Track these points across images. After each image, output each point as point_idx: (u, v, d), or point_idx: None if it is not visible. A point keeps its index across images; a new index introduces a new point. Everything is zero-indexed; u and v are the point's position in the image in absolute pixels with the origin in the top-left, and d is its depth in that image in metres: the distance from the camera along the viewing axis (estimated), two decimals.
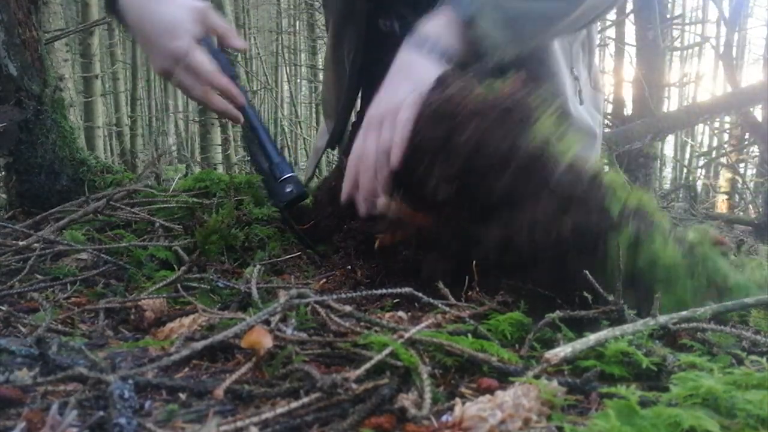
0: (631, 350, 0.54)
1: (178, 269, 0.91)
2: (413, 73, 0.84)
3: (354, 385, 0.49)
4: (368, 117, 0.85)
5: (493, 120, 0.73)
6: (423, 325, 0.62)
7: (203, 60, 0.94)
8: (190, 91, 0.96)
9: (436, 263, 0.84)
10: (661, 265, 0.70)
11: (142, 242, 1.02)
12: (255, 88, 10.59)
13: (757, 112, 4.85)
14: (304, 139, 14.04)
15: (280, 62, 16.66)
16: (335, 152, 1.49)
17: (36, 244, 0.97)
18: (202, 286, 0.85)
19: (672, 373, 0.51)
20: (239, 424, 0.45)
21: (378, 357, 0.53)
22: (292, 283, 0.90)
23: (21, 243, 0.98)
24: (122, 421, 0.44)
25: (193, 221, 1.05)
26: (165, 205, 1.19)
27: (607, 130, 4.36)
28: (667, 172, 12.53)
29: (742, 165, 7.64)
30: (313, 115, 17.27)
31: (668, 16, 6.29)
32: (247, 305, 0.78)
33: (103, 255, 0.95)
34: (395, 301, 0.83)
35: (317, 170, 1.50)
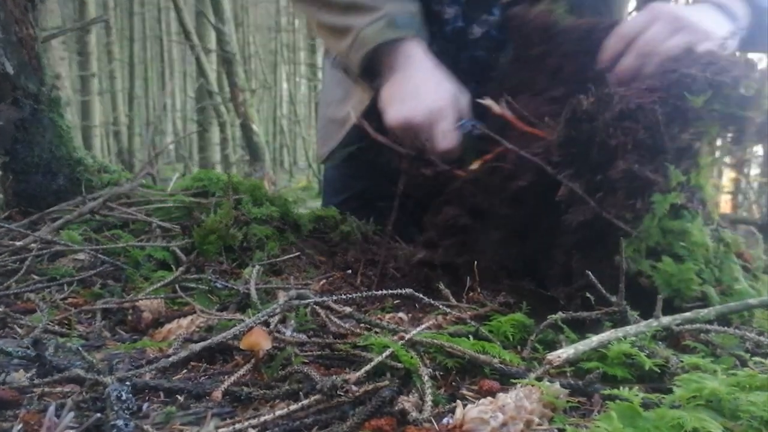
0: (634, 352, 0.54)
1: (176, 270, 0.90)
2: (713, 19, 0.93)
3: (354, 387, 0.49)
4: (671, 12, 0.89)
5: None
6: (424, 326, 0.62)
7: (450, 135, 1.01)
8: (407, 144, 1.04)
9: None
10: (689, 240, 0.71)
11: (139, 242, 1.02)
12: (254, 87, 10.58)
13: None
14: (303, 138, 14.05)
15: (278, 61, 16.66)
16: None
17: (33, 245, 0.96)
18: (201, 286, 0.85)
19: (675, 375, 0.51)
20: (238, 426, 0.45)
21: (378, 359, 0.52)
22: (292, 284, 0.90)
23: (18, 243, 0.97)
24: (119, 423, 0.44)
25: (191, 221, 1.04)
26: (162, 205, 1.19)
27: None
28: None
29: (745, 164, 7.66)
30: (312, 113, 17.27)
31: None
32: (245, 306, 0.77)
33: (100, 255, 0.95)
34: (395, 302, 0.83)
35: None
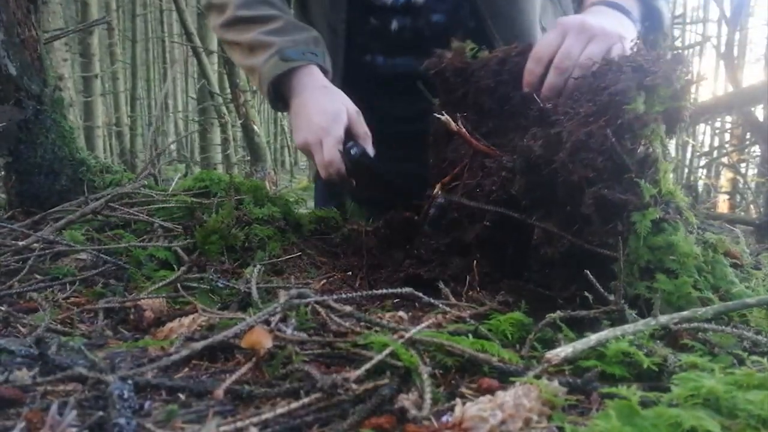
0: (632, 350, 0.54)
1: (178, 269, 0.91)
2: (616, 19, 0.98)
3: (354, 386, 0.49)
4: (580, 24, 0.91)
5: None
6: (423, 325, 0.62)
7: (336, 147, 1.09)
8: (317, 162, 1.12)
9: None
10: (678, 252, 0.71)
11: (141, 242, 1.02)
12: (254, 88, 10.59)
13: (759, 112, 4.85)
14: None
15: None
16: None
17: (35, 244, 0.97)
18: (202, 286, 0.85)
19: (673, 374, 0.51)
20: (239, 424, 0.45)
21: (378, 357, 0.53)
22: (293, 284, 0.90)
23: (20, 243, 0.97)
24: (122, 421, 0.44)
25: (192, 221, 1.05)
26: (164, 205, 1.19)
27: None
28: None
29: (743, 165, 7.65)
30: None
31: None
32: (247, 305, 0.77)
33: (102, 255, 0.95)
34: (395, 301, 0.83)
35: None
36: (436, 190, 0.96)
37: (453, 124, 0.93)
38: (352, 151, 1.06)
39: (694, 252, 0.72)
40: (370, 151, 1.10)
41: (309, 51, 1.18)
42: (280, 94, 1.19)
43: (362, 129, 1.12)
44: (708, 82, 12.91)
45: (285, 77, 1.16)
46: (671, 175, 0.76)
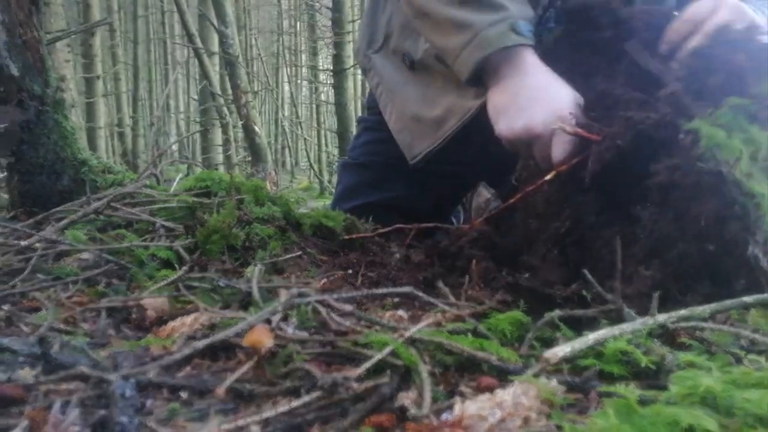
0: (630, 349, 0.54)
1: (180, 269, 0.91)
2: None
3: (354, 384, 0.49)
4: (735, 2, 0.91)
5: None
6: (423, 324, 0.62)
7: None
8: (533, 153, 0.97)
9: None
10: None
11: (143, 242, 1.03)
12: (256, 89, 10.59)
13: None
14: (305, 139, 14.05)
15: (280, 63, 16.68)
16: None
17: (38, 244, 0.97)
18: (204, 285, 0.85)
19: (671, 372, 0.51)
20: (240, 422, 0.45)
21: (378, 356, 0.53)
22: (293, 283, 0.90)
23: (23, 243, 0.98)
24: (124, 419, 0.44)
25: (194, 221, 1.05)
26: (166, 205, 1.20)
27: None
28: None
29: None
30: (314, 115, 17.28)
31: None
32: (248, 304, 0.78)
33: (104, 255, 0.95)
34: (395, 300, 0.83)
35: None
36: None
37: (569, 128, 0.88)
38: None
39: None
40: None
41: (514, 31, 1.01)
42: (484, 67, 1.01)
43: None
44: None
45: (507, 52, 0.99)
46: None
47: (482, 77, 1.03)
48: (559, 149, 0.89)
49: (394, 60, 1.34)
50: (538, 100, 0.96)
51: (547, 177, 0.88)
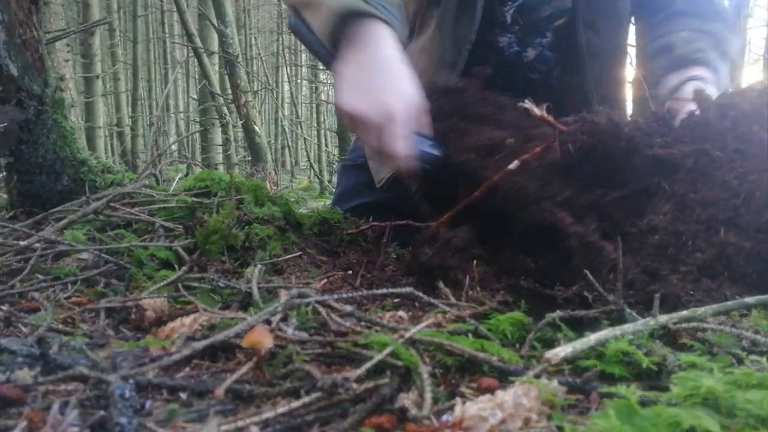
0: (632, 350, 0.54)
1: (179, 269, 0.91)
2: None
3: (354, 385, 0.49)
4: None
5: None
6: (423, 324, 0.62)
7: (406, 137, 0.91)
8: (369, 144, 0.95)
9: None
10: None
11: (142, 242, 1.03)
12: (256, 89, 10.59)
13: None
14: (304, 139, 14.05)
15: (280, 62, 16.68)
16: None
17: (37, 244, 0.97)
18: (203, 285, 0.85)
19: (672, 373, 0.51)
20: (240, 423, 0.45)
21: (378, 357, 0.53)
22: (293, 283, 0.90)
23: (22, 243, 0.98)
24: (123, 420, 0.44)
25: (193, 221, 1.05)
26: (165, 205, 1.19)
27: None
28: None
29: None
30: (314, 115, 17.29)
31: None
32: (247, 305, 0.78)
33: (104, 255, 0.95)
34: (395, 300, 0.83)
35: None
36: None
37: (536, 110, 0.89)
38: (434, 151, 0.91)
39: None
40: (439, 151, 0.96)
41: (393, 13, 0.99)
42: (338, 36, 0.98)
43: (428, 125, 0.96)
44: None
45: (357, 19, 0.96)
46: None
47: (339, 47, 0.98)
48: (395, 146, 0.87)
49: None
50: (377, 84, 0.91)
51: (511, 166, 0.89)
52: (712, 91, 1.09)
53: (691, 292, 0.73)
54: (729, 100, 0.87)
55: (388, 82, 0.92)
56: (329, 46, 0.99)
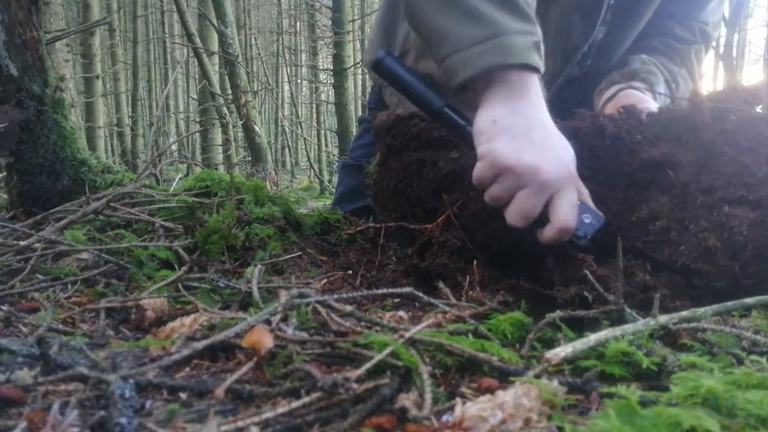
0: (632, 350, 0.54)
1: (179, 269, 0.91)
2: None
3: (355, 385, 0.49)
4: None
5: None
6: (423, 324, 0.62)
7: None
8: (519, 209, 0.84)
9: None
10: None
11: (142, 242, 1.03)
12: (256, 89, 10.60)
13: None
14: (304, 139, 14.06)
15: (280, 63, 16.68)
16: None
17: (37, 244, 0.97)
18: (203, 285, 0.85)
19: (672, 373, 0.51)
20: (240, 423, 0.45)
21: (379, 357, 0.53)
22: (293, 283, 0.90)
23: (22, 243, 0.98)
24: (123, 420, 0.44)
25: (193, 221, 1.05)
26: (165, 205, 1.19)
27: None
28: None
29: None
30: (314, 115, 17.29)
31: None
32: (248, 305, 0.78)
33: (104, 255, 0.95)
34: (396, 300, 0.83)
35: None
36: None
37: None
38: (596, 223, 0.82)
39: None
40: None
41: (538, 53, 0.89)
42: (484, 79, 0.88)
43: (585, 188, 0.87)
44: (707, 83, 12.92)
45: (524, 70, 0.87)
46: None
47: (477, 86, 0.90)
48: (565, 214, 0.80)
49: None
50: (550, 144, 0.84)
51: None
52: (652, 105, 1.13)
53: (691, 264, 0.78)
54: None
55: (558, 141, 0.85)
56: (457, 88, 0.90)
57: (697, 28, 1.40)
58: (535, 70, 0.87)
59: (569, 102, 1.28)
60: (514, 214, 0.83)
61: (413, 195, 1.01)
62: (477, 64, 0.86)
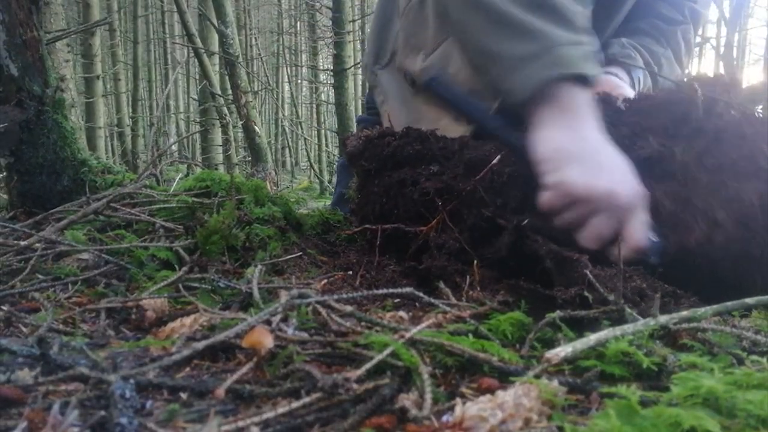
0: (632, 350, 0.54)
1: (179, 269, 0.91)
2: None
3: (355, 385, 0.49)
4: None
5: None
6: (424, 325, 0.62)
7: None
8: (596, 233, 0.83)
9: None
10: None
11: (143, 242, 1.03)
12: (256, 89, 10.60)
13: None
14: (304, 139, 14.06)
15: (281, 63, 16.69)
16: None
17: (37, 244, 0.97)
18: (203, 286, 0.85)
19: (672, 373, 0.51)
20: (240, 423, 0.45)
21: (379, 357, 0.53)
22: (293, 284, 0.90)
23: (22, 243, 0.98)
24: (123, 420, 0.44)
25: (194, 221, 1.05)
26: (166, 206, 1.19)
27: None
28: None
29: None
30: (314, 115, 17.29)
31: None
32: (248, 305, 0.78)
33: (104, 255, 0.95)
34: (396, 301, 0.83)
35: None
36: None
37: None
38: (659, 240, 0.82)
39: None
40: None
41: (593, 63, 0.86)
42: (537, 94, 0.86)
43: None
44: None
45: (579, 84, 0.84)
46: None
47: (533, 103, 0.86)
48: (640, 234, 0.79)
49: (399, 77, 1.25)
50: (617, 165, 0.82)
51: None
52: (627, 92, 1.10)
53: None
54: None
55: (622, 161, 0.83)
56: (514, 108, 0.88)
57: (686, 7, 1.38)
58: (589, 82, 0.85)
59: None
60: (588, 239, 0.82)
61: (401, 216, 1.00)
62: (535, 80, 0.84)
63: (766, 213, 0.78)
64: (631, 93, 1.11)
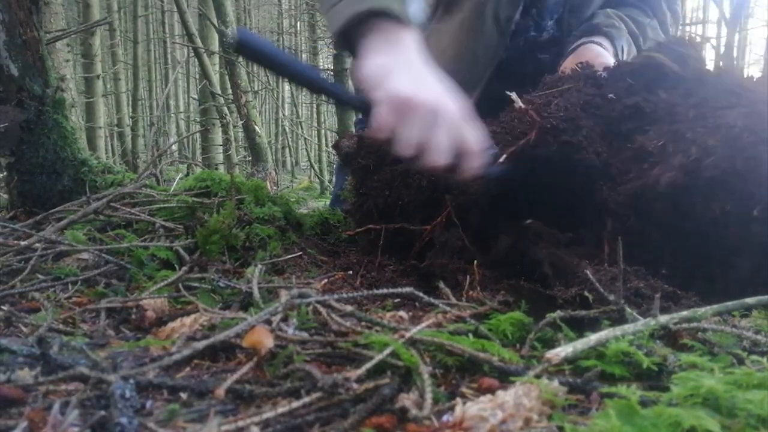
0: (632, 350, 0.54)
1: (179, 269, 0.91)
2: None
3: (355, 385, 0.49)
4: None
5: None
6: (424, 324, 0.62)
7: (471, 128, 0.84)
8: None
9: None
10: None
11: (143, 242, 1.03)
12: (256, 89, 10.60)
13: None
14: (305, 139, 14.06)
15: None
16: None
17: (37, 244, 0.97)
18: (204, 285, 0.85)
19: (673, 373, 0.51)
20: (240, 423, 0.45)
21: (379, 357, 0.53)
22: (294, 283, 0.90)
23: (22, 243, 0.98)
24: (123, 420, 0.44)
25: (194, 221, 1.05)
26: (166, 205, 1.19)
27: None
28: None
29: None
30: (314, 115, 17.28)
31: None
32: (248, 305, 0.78)
33: (104, 255, 0.95)
34: (396, 301, 0.83)
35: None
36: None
37: (519, 101, 0.95)
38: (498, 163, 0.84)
39: None
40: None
41: (400, 3, 0.89)
42: (360, 31, 0.89)
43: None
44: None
45: (391, 20, 0.87)
46: None
47: (355, 39, 0.89)
48: (479, 144, 0.82)
49: None
50: (441, 82, 0.85)
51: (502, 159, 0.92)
52: (609, 60, 1.20)
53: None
54: None
55: (444, 82, 0.85)
56: (337, 42, 0.92)
57: None
58: (403, 20, 0.87)
59: (551, 65, 1.32)
60: (435, 155, 0.81)
61: (407, 207, 1.00)
62: (346, 14, 0.88)
63: (748, 131, 0.82)
64: (611, 61, 1.18)
